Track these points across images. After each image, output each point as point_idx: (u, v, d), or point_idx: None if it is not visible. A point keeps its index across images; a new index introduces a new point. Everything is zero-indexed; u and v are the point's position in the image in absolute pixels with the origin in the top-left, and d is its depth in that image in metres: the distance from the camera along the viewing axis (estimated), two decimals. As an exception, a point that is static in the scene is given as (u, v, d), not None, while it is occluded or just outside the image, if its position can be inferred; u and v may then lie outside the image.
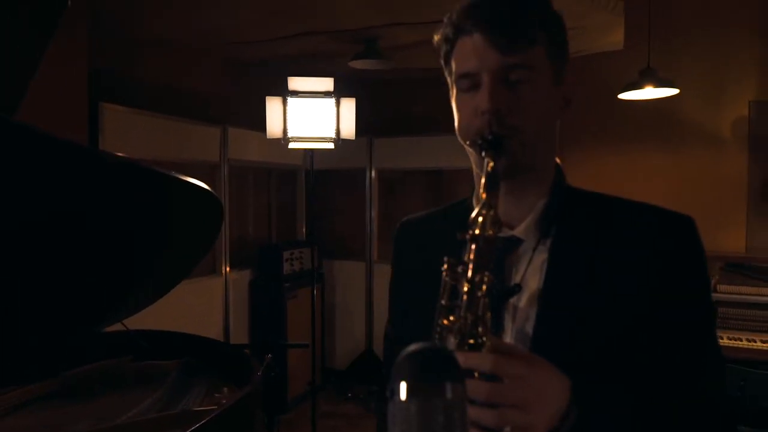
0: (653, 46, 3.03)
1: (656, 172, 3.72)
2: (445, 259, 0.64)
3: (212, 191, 1.65)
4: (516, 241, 0.78)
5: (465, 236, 0.63)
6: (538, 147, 0.75)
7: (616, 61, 3.54)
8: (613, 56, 3.52)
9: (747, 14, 3.43)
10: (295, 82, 2.82)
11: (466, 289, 0.61)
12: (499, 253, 0.75)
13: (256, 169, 4.28)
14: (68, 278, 1.59)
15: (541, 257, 0.75)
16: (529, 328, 0.73)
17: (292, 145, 3.01)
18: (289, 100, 2.93)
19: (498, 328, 0.73)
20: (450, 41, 0.76)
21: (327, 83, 2.99)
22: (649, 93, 2.99)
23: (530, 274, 0.75)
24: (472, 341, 0.60)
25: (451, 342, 0.61)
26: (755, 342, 3.00)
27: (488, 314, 0.61)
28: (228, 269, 3.69)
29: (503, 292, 0.73)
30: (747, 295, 3.13)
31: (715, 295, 3.17)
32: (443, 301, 0.64)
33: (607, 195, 0.80)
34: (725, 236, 3.54)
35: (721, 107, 3.54)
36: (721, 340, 3.05)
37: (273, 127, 2.92)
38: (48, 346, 1.70)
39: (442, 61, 0.79)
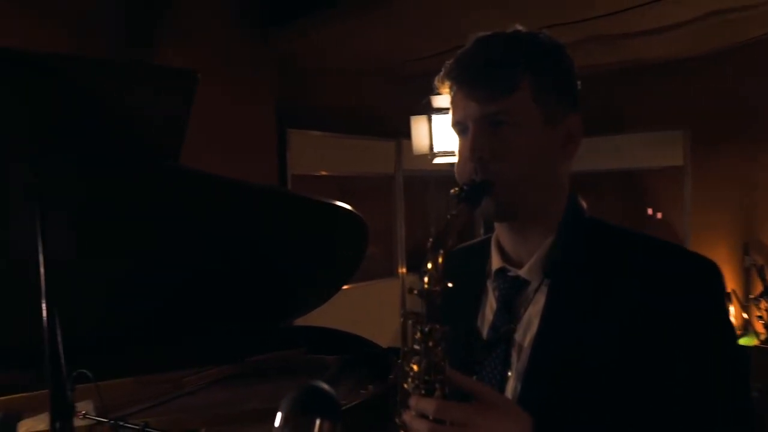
0: None
1: None
2: (402, 311, 0.68)
3: (356, 213, 1.86)
4: (523, 281, 0.77)
5: (415, 291, 0.66)
6: (528, 188, 0.74)
7: None
8: None
9: None
10: (439, 100, 2.92)
11: (418, 337, 0.65)
12: (509, 293, 0.77)
13: (437, 177, 4.46)
14: (249, 285, 1.92)
15: (543, 298, 0.74)
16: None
17: (437, 160, 3.11)
18: (434, 117, 3.04)
19: (506, 365, 0.74)
20: (449, 92, 0.80)
21: (468, 99, 3.00)
22: None
23: (533, 314, 0.74)
24: (426, 385, 0.63)
25: (409, 384, 0.65)
26: None
27: (444, 361, 0.64)
28: (404, 271, 3.93)
29: (501, 335, 0.75)
30: None
31: None
32: (406, 348, 0.67)
33: (630, 231, 0.74)
34: None
35: None
36: None
37: (419, 143, 3.08)
38: (236, 336, 2.07)
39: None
